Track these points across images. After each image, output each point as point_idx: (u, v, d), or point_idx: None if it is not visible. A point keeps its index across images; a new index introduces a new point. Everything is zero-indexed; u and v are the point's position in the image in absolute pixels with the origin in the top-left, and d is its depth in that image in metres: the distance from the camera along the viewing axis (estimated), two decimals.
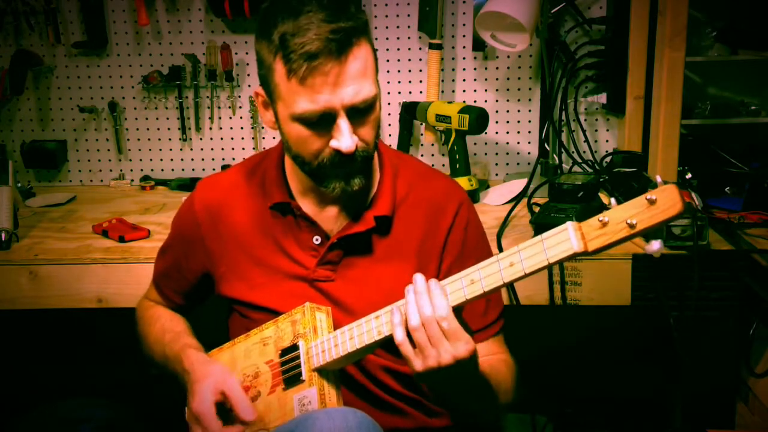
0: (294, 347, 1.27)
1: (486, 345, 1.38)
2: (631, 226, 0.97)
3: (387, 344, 1.22)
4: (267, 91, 1.27)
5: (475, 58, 2.38)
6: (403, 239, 1.36)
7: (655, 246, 1.01)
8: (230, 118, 2.45)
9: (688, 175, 1.99)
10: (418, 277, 1.14)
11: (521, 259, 1.05)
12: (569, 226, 1.01)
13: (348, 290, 1.34)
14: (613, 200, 1.01)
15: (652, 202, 0.96)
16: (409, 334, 1.13)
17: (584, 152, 2.35)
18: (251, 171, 1.43)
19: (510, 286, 1.71)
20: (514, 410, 2.37)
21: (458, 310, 1.12)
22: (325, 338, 1.25)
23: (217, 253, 1.41)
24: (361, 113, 1.23)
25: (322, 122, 1.22)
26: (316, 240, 1.35)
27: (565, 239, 1.01)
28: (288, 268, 1.36)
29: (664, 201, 0.95)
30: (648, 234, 0.98)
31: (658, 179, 0.98)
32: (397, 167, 1.40)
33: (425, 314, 1.10)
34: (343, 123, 1.21)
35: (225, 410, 1.25)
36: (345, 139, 1.22)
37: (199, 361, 1.32)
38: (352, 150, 1.22)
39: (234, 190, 1.42)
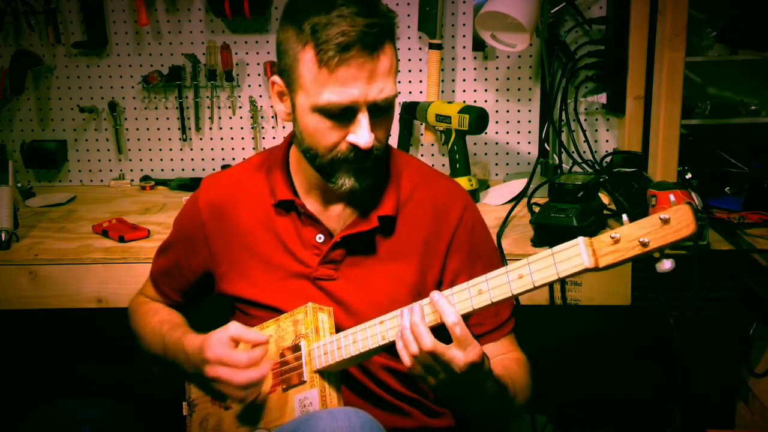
0: (296, 347, 1.27)
1: (498, 345, 1.38)
2: (644, 244, 0.97)
3: (390, 347, 1.22)
4: (287, 80, 1.26)
5: (475, 58, 2.38)
6: (407, 240, 1.36)
7: (667, 265, 1.01)
8: (230, 118, 2.45)
9: (688, 175, 1.99)
10: (405, 312, 1.14)
11: (530, 272, 1.05)
12: (581, 241, 1.01)
13: (350, 290, 1.34)
14: (625, 216, 1.01)
15: (665, 221, 0.95)
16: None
17: (584, 152, 2.35)
18: (256, 169, 1.43)
19: None
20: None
21: (465, 318, 1.12)
22: (327, 340, 1.25)
23: (220, 251, 1.41)
24: (380, 112, 1.24)
25: (343, 116, 1.22)
26: (319, 238, 1.35)
27: (576, 254, 1.01)
28: (290, 265, 1.36)
29: (678, 221, 0.95)
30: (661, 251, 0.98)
31: (672, 198, 0.98)
32: (402, 168, 1.40)
33: (425, 345, 1.10)
34: (363, 118, 1.22)
35: None
36: (364, 134, 1.22)
37: (202, 338, 1.31)
38: (370, 146, 1.23)
39: (238, 187, 1.42)
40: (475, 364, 1.10)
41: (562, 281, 1.75)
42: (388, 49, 1.22)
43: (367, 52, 1.18)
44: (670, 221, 0.95)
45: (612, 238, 0.99)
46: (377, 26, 1.18)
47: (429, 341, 1.09)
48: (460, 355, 1.09)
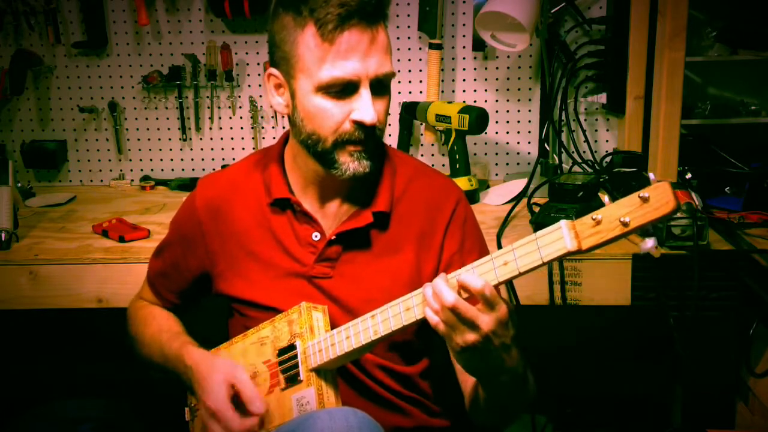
0: (291, 347, 1.27)
1: None
2: (625, 224, 0.96)
3: (387, 343, 1.21)
4: (284, 69, 1.27)
5: (475, 58, 2.38)
6: (401, 236, 1.36)
7: (649, 244, 1.00)
8: (230, 118, 2.45)
9: (688, 175, 1.98)
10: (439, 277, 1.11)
11: (515, 258, 1.05)
12: (563, 224, 1.01)
13: (346, 287, 1.34)
14: (606, 198, 1.01)
15: (645, 200, 0.95)
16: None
17: (584, 152, 2.35)
18: (251, 168, 1.43)
19: (510, 285, 1.72)
20: None
21: None
22: (321, 338, 1.25)
23: (218, 251, 1.41)
24: (380, 89, 1.26)
25: (345, 93, 1.23)
26: (315, 236, 1.35)
27: (559, 238, 1.01)
28: (286, 264, 1.36)
29: (657, 199, 0.94)
30: (644, 231, 0.98)
31: (651, 176, 0.97)
32: (396, 164, 1.40)
33: (447, 301, 1.07)
34: (366, 93, 1.23)
35: (237, 402, 1.25)
36: (368, 109, 1.23)
37: (203, 357, 1.32)
38: (375, 122, 1.24)
39: (234, 187, 1.42)
40: (502, 322, 1.08)
41: (563, 281, 1.75)
42: (384, 26, 1.25)
43: (365, 23, 1.21)
44: (650, 199, 0.94)
45: (593, 219, 0.98)
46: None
47: (451, 297, 1.06)
48: (486, 312, 1.07)
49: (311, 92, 1.24)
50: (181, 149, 2.48)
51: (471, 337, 1.08)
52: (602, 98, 2.32)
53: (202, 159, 2.49)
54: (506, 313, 1.08)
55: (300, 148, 1.32)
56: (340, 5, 1.19)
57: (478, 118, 2.07)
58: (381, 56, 1.23)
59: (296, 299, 1.29)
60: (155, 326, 1.48)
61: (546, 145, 2.32)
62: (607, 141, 2.40)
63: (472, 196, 2.14)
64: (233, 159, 2.46)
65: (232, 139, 2.46)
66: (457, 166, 2.13)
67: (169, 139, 2.48)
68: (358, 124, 1.24)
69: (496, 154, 2.44)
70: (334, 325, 1.27)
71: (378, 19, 1.23)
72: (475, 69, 2.39)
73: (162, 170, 2.50)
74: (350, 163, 1.27)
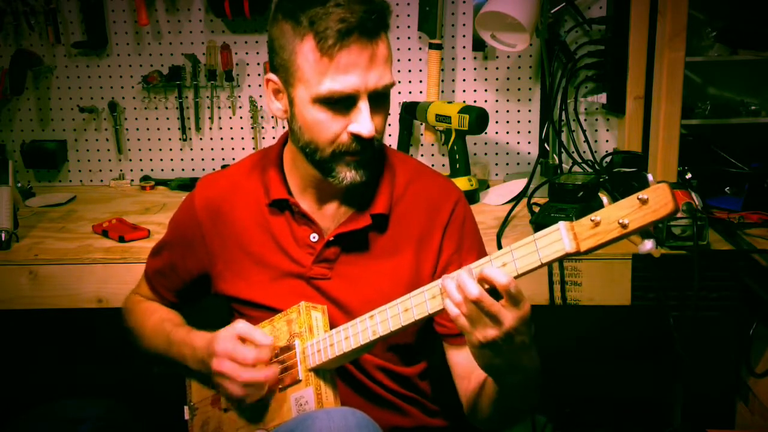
0: (290, 347, 1.27)
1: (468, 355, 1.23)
2: (623, 225, 0.96)
3: (384, 344, 1.20)
4: (283, 76, 1.26)
5: (475, 58, 2.38)
6: (400, 237, 1.36)
7: (648, 245, 1.00)
8: (230, 118, 2.45)
9: (688, 175, 1.98)
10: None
11: (513, 259, 1.04)
12: (561, 226, 1.01)
13: (344, 288, 1.34)
14: (605, 199, 1.01)
15: (644, 201, 0.95)
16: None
17: (584, 152, 2.35)
18: (250, 169, 1.43)
19: None
20: None
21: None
22: (320, 338, 1.25)
23: (217, 251, 1.41)
24: (379, 100, 1.25)
25: (344, 105, 1.23)
26: (313, 237, 1.35)
27: (557, 239, 1.00)
28: (285, 265, 1.36)
29: (656, 200, 0.94)
30: (644, 232, 0.98)
31: (650, 177, 0.98)
32: (395, 165, 1.40)
33: (471, 294, 1.04)
34: (364, 107, 1.22)
35: None
36: (366, 122, 1.22)
37: (211, 334, 1.31)
38: (373, 134, 1.23)
39: (233, 188, 1.42)
40: (525, 320, 1.05)
41: (563, 281, 1.75)
42: (385, 37, 1.24)
43: (366, 38, 1.20)
44: (649, 201, 0.94)
45: (592, 221, 0.98)
46: (375, 12, 1.20)
47: (475, 289, 1.04)
48: (510, 308, 1.04)
49: (309, 103, 1.23)
50: (181, 149, 2.48)
51: (492, 332, 1.06)
52: (602, 98, 2.32)
53: (202, 159, 2.49)
54: (529, 311, 1.07)
55: (298, 152, 1.32)
56: (340, 20, 1.17)
57: (478, 118, 2.07)
58: (380, 70, 1.22)
59: (295, 300, 1.29)
60: (157, 317, 1.48)
61: (546, 145, 2.32)
62: (607, 141, 2.40)
63: (472, 196, 2.14)
64: (233, 159, 2.46)
65: (232, 139, 2.46)
66: (457, 166, 2.13)
67: (169, 139, 2.48)
68: (356, 136, 1.24)
69: (496, 154, 2.44)
70: (332, 326, 1.27)
71: (378, 32, 1.22)
72: (475, 69, 2.39)
73: (162, 170, 2.50)
74: (347, 173, 1.27)
